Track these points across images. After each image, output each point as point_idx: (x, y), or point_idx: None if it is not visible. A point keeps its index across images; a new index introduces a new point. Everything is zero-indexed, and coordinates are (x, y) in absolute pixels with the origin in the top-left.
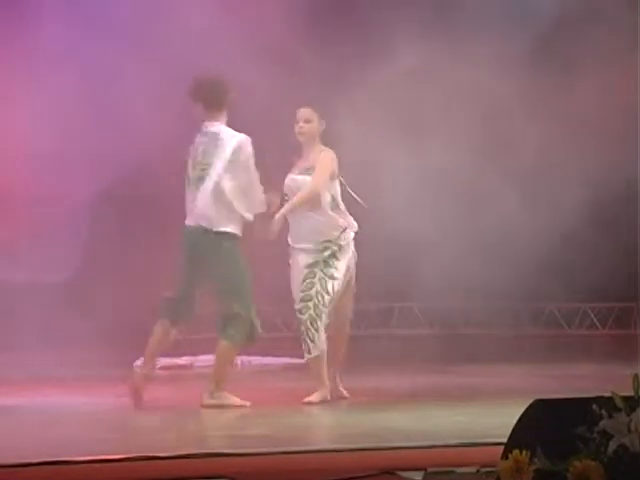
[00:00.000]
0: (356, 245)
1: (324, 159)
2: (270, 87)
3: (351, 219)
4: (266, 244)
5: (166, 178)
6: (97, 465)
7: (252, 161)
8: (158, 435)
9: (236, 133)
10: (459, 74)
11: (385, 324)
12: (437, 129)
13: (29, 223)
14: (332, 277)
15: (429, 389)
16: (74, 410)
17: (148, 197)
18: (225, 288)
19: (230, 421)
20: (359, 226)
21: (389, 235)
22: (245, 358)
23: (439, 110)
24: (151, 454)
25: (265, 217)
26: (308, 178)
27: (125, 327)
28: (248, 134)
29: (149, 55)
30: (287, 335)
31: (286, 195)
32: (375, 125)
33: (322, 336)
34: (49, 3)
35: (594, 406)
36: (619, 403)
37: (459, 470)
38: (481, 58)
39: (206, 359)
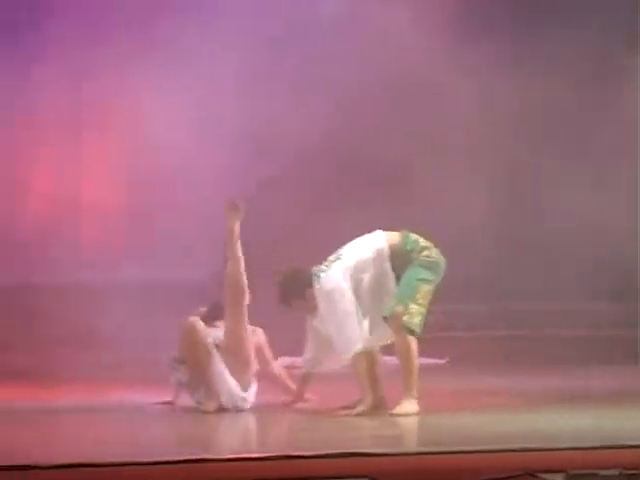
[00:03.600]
0: None
1: None
2: None
3: None
4: None
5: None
6: (238, 463)
7: None
8: (297, 435)
9: None
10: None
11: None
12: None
13: (166, 230)
14: None
15: (571, 390)
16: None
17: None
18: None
19: (368, 421)
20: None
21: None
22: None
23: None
24: (292, 453)
25: None
26: None
27: None
28: None
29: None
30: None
31: None
32: None
33: None
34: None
35: None
36: None
37: (602, 472)
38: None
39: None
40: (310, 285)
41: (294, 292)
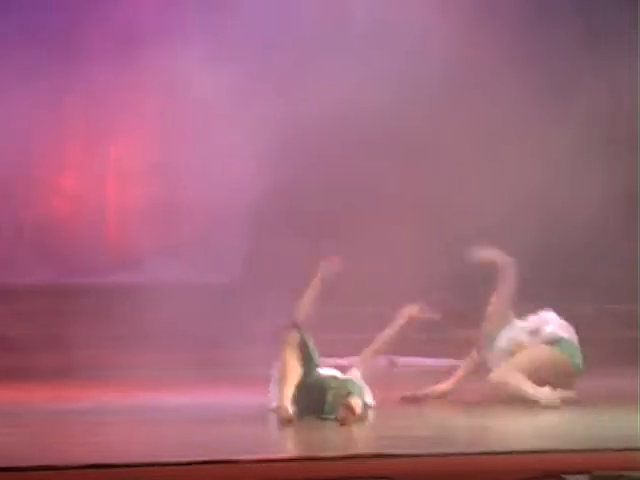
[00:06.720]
0: None
1: None
2: None
3: None
4: None
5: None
6: (269, 464)
7: None
8: (327, 435)
9: None
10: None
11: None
12: None
13: (195, 226)
14: None
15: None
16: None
17: (311, 200)
18: None
19: (392, 422)
20: None
21: None
22: (405, 359)
23: None
24: (316, 454)
25: None
26: None
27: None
28: None
29: None
30: (449, 336)
31: None
32: None
33: None
34: None
35: None
36: None
37: (628, 474)
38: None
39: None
40: None
41: None
